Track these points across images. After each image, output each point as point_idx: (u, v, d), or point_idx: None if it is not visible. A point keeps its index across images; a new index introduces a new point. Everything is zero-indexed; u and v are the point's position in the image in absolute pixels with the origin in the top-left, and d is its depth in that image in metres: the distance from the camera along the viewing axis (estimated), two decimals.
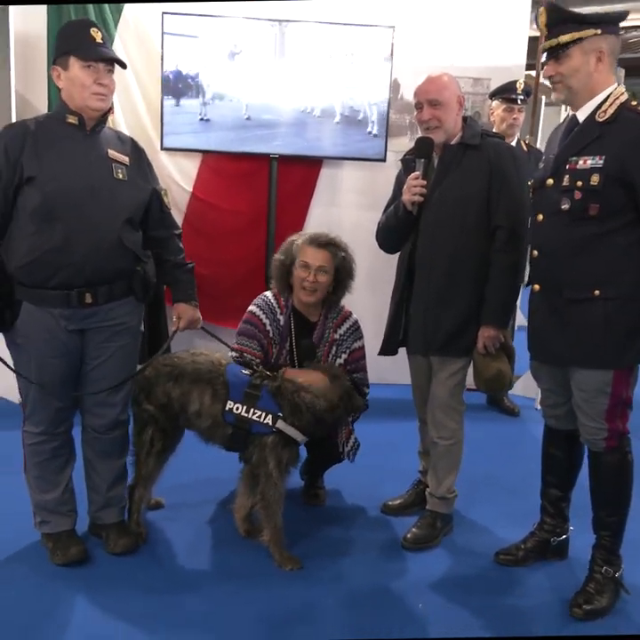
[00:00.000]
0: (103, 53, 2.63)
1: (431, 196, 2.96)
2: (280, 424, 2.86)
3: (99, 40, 2.63)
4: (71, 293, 2.65)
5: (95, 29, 2.65)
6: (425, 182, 2.95)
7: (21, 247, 2.61)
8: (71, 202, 2.59)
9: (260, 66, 4.55)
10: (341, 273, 3.16)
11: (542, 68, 2.62)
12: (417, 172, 2.97)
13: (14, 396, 4.54)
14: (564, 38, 2.49)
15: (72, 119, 2.66)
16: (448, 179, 2.96)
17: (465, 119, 3.04)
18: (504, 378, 3.02)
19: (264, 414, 2.86)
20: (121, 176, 2.72)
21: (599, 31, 2.49)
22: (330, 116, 4.66)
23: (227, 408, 2.88)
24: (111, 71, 2.67)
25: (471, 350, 3.01)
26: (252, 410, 2.87)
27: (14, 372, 2.74)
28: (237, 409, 2.87)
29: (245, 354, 3.09)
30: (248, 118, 4.60)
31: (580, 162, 2.52)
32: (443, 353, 3.04)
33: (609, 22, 2.52)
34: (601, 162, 2.47)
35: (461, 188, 2.94)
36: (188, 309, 2.99)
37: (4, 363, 2.74)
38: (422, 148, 2.99)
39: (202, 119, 4.57)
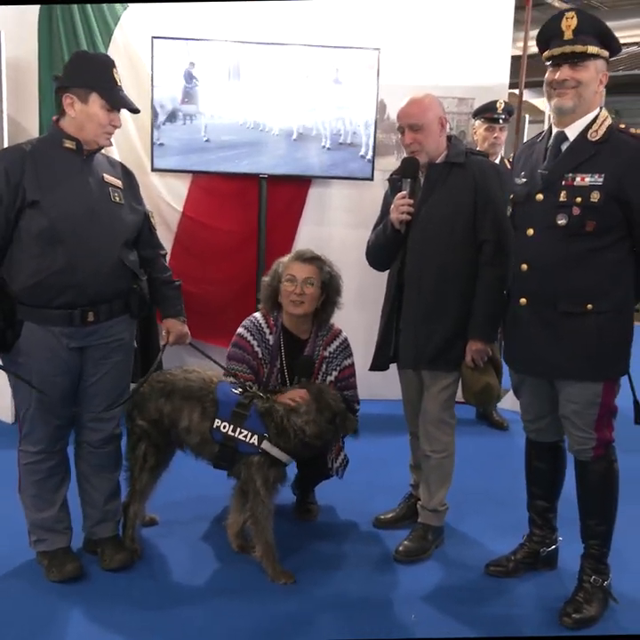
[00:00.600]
0: (127, 103, 2.76)
1: (418, 214, 3.02)
2: (265, 445, 2.90)
3: (119, 83, 2.74)
4: (74, 312, 2.70)
5: (116, 71, 2.75)
6: (412, 201, 3.01)
7: (25, 269, 2.65)
8: (74, 226, 2.66)
9: (249, 88, 4.63)
10: (329, 289, 3.21)
11: (541, 72, 2.63)
12: (404, 192, 3.03)
13: (5, 416, 4.58)
14: (592, 49, 2.52)
15: (70, 144, 2.72)
16: (434, 196, 3.03)
17: (449, 138, 3.11)
18: (492, 391, 3.08)
19: (250, 434, 2.90)
20: (118, 199, 2.80)
21: (608, 57, 2.57)
22: (317, 135, 4.74)
23: (214, 426, 2.92)
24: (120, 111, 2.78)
25: (460, 364, 3.07)
26: (238, 429, 2.91)
27: (30, 384, 2.73)
28: (225, 427, 2.92)
29: (238, 379, 3.13)
30: (237, 139, 4.67)
31: (578, 178, 2.57)
32: (432, 367, 3.08)
33: (615, 52, 2.60)
34: (600, 180, 2.53)
35: (447, 204, 3.00)
36: (177, 325, 3.05)
37: (18, 376, 2.75)
38: (408, 168, 3.05)
39: (191, 140, 4.64)
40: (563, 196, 2.60)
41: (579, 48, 2.52)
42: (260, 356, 3.21)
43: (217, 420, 2.92)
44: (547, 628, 2.68)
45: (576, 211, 2.56)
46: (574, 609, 2.69)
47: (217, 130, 4.65)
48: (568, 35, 2.53)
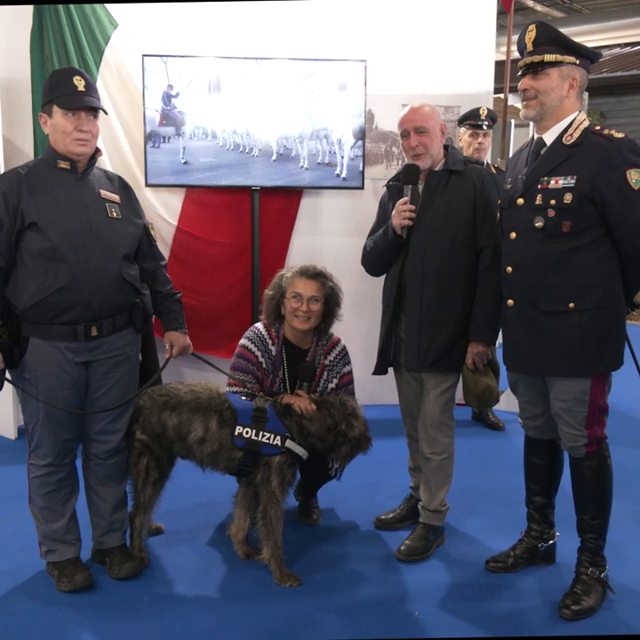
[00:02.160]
0: (83, 102, 2.73)
1: (419, 221, 3.08)
2: (289, 443, 2.99)
3: (81, 88, 2.73)
4: (78, 327, 2.76)
5: (79, 77, 2.75)
6: (414, 207, 3.07)
7: (29, 288, 2.71)
8: (74, 243, 2.71)
9: (239, 102, 4.71)
10: (330, 302, 3.27)
11: (519, 81, 2.72)
12: (406, 197, 3.08)
13: (8, 432, 4.63)
14: (549, 57, 2.63)
15: (64, 164, 2.78)
16: (435, 203, 3.09)
17: (446, 147, 3.19)
18: (492, 392, 3.15)
19: (273, 436, 2.99)
20: (115, 214, 2.84)
21: (577, 61, 2.65)
22: (306, 145, 4.81)
23: (236, 433, 2.99)
24: (94, 117, 2.78)
25: (460, 366, 3.14)
26: (261, 433, 2.99)
27: (36, 398, 2.79)
28: (247, 433, 2.99)
29: (243, 388, 3.19)
30: (229, 152, 4.74)
31: (552, 182, 2.66)
32: (435, 369, 3.14)
33: (587, 57, 2.69)
34: (573, 181, 2.62)
35: (448, 211, 3.07)
36: (180, 337, 3.10)
37: (24, 390, 2.81)
38: (409, 174, 3.11)
39: (184, 155, 4.71)
40: (539, 200, 2.68)
41: (536, 58, 2.65)
42: (265, 366, 3.27)
43: (238, 427, 2.99)
44: (547, 620, 2.75)
45: (551, 213, 2.65)
46: (573, 601, 2.76)
47: (197, 150, 4.73)
48: (529, 47, 2.68)
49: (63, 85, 2.74)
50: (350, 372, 3.36)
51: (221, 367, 3.29)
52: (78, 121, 2.73)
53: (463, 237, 3.07)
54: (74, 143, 2.74)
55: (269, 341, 3.29)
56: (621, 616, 2.77)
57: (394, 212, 3.11)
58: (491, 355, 3.14)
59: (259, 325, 3.35)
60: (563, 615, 2.74)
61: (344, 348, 3.36)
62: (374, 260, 3.30)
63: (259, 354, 3.27)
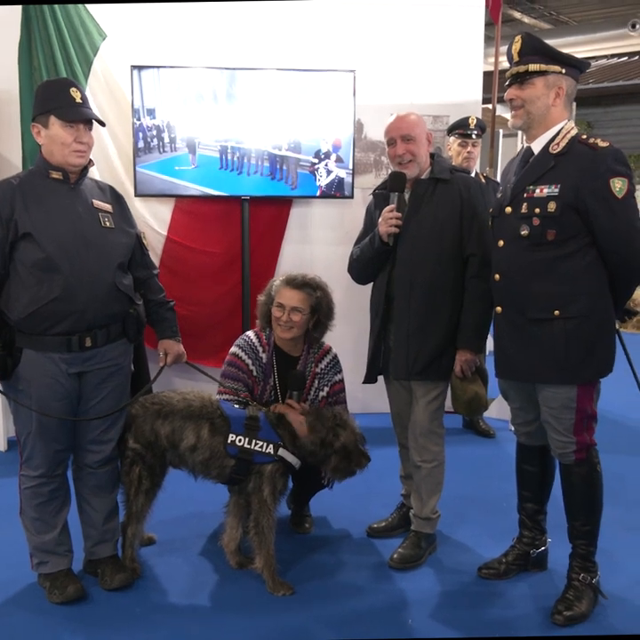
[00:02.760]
0: (84, 114, 2.77)
1: (406, 229, 3.10)
2: (282, 452, 3.00)
3: (78, 100, 2.76)
4: (72, 338, 2.76)
5: (74, 89, 2.78)
6: (400, 215, 3.09)
7: (22, 299, 2.71)
8: (67, 254, 2.71)
9: (229, 112, 4.73)
10: (319, 312, 3.26)
11: (505, 91, 2.76)
12: (392, 205, 3.10)
13: None
14: (533, 67, 2.67)
15: (56, 174, 2.78)
16: (421, 211, 3.11)
17: (432, 155, 3.20)
18: (480, 400, 3.16)
19: (265, 444, 2.99)
20: (108, 224, 2.85)
21: (563, 71, 2.68)
22: (295, 155, 4.83)
23: (229, 441, 2.99)
24: (90, 128, 2.81)
25: (448, 374, 3.15)
26: (254, 441, 2.99)
27: (30, 408, 2.78)
28: (240, 441, 2.99)
29: (234, 396, 3.19)
30: (219, 162, 4.75)
31: (537, 190, 2.68)
32: (423, 377, 3.15)
33: (573, 66, 2.72)
34: (557, 190, 2.64)
35: (435, 220, 3.09)
36: (174, 345, 3.12)
37: (17, 401, 2.80)
38: (396, 182, 3.12)
39: (173, 165, 4.72)
40: (524, 208, 2.71)
41: (522, 68, 2.69)
42: (255, 374, 3.26)
43: (231, 435, 2.99)
44: (540, 627, 2.75)
45: (536, 221, 2.67)
46: (565, 607, 2.77)
47: (186, 160, 4.74)
48: (516, 57, 2.72)
49: (60, 97, 2.76)
50: (342, 381, 3.37)
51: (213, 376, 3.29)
52: (77, 133, 2.75)
53: (450, 246, 3.08)
54: (72, 155, 2.76)
55: (260, 349, 3.29)
56: (613, 621, 2.77)
57: (380, 219, 3.12)
58: (479, 362, 3.16)
59: (250, 333, 3.35)
60: (555, 621, 2.75)
61: (335, 357, 3.37)
62: (361, 268, 3.30)
63: (249, 362, 3.26)
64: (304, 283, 3.25)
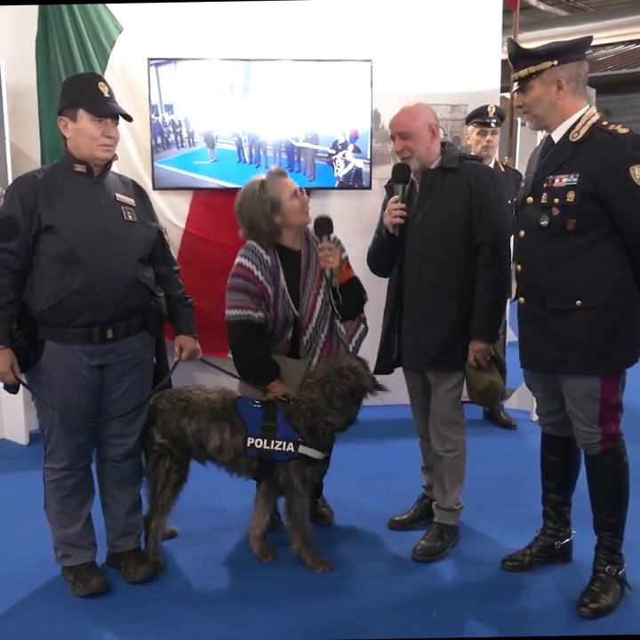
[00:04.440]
0: (112, 109, 2.80)
1: (415, 219, 3.11)
2: (302, 449, 2.99)
3: (106, 94, 2.79)
4: (93, 330, 2.77)
5: (102, 83, 2.81)
6: (404, 205, 3.11)
7: (45, 291, 2.72)
8: (90, 246, 2.73)
9: (245, 104, 4.71)
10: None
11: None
12: (396, 196, 3.13)
13: (20, 438, 4.64)
14: (522, 73, 2.67)
15: (80, 168, 2.80)
16: (430, 201, 3.10)
17: (443, 145, 3.19)
18: (496, 389, 3.13)
19: (285, 443, 2.99)
20: (131, 218, 2.87)
21: (555, 62, 2.64)
22: (313, 146, 4.81)
23: (248, 444, 2.99)
24: (116, 123, 2.83)
25: (463, 364, 3.12)
26: (272, 442, 2.99)
27: (53, 408, 2.79)
28: (259, 444, 2.99)
29: (243, 309, 3.13)
30: (236, 154, 4.74)
31: (557, 180, 2.66)
32: (435, 368, 3.15)
33: (562, 53, 2.66)
34: (575, 179, 2.60)
35: (444, 209, 3.08)
36: (190, 341, 3.12)
37: (39, 397, 2.82)
38: (399, 174, 3.16)
39: (191, 157, 4.71)
40: (544, 198, 2.68)
41: (515, 75, 2.71)
42: (262, 279, 3.18)
43: (249, 439, 3.00)
44: (565, 618, 2.74)
45: (555, 211, 2.64)
46: (591, 599, 2.75)
47: (204, 153, 4.74)
48: (511, 64, 2.74)
49: (89, 91, 2.78)
50: (347, 259, 3.36)
51: (227, 370, 3.27)
52: (105, 127, 2.77)
53: (459, 234, 3.06)
54: (100, 148, 2.78)
55: (262, 252, 3.22)
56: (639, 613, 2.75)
57: (385, 211, 3.16)
58: (493, 351, 3.13)
59: (248, 242, 3.29)
60: (581, 613, 2.73)
61: (336, 238, 3.36)
62: (374, 260, 3.34)
63: (253, 268, 3.19)
64: (282, 170, 3.39)
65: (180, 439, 3.04)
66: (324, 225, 3.24)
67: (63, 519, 2.91)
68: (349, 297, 3.26)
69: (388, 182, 3.31)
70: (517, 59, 2.69)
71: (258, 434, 2.99)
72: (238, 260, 3.25)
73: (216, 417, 3.04)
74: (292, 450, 2.99)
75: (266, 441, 2.99)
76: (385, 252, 3.23)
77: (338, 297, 3.23)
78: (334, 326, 3.27)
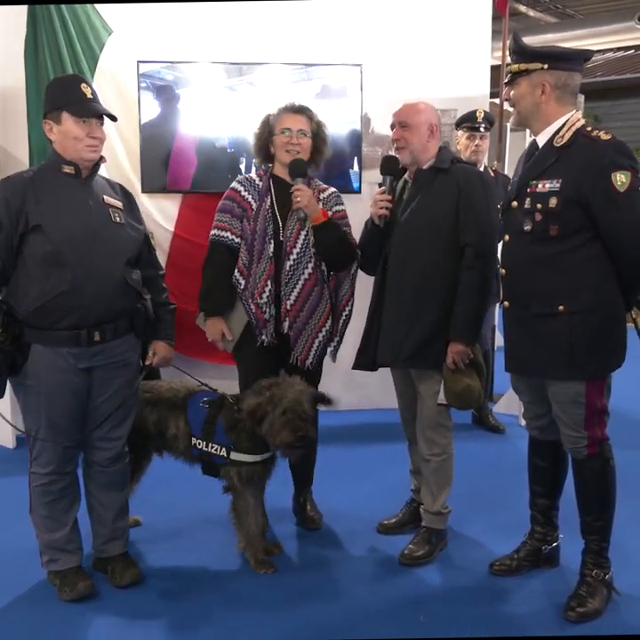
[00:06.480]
0: (95, 109, 2.79)
1: (402, 217, 3.14)
2: (233, 455, 3.05)
3: (89, 95, 2.79)
4: (81, 333, 2.75)
5: (85, 85, 2.81)
6: (390, 197, 3.17)
7: (31, 292, 2.71)
8: (77, 248, 2.71)
9: (234, 106, 4.71)
10: (317, 139, 3.35)
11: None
12: (383, 188, 3.19)
13: (6, 441, 4.60)
14: (514, 68, 2.70)
15: (68, 169, 2.79)
16: (419, 200, 3.13)
17: (440, 148, 3.20)
18: (472, 393, 3.10)
19: (219, 447, 3.06)
20: (119, 220, 2.86)
21: (545, 66, 2.65)
22: None
23: (192, 443, 3.09)
24: (101, 124, 2.82)
25: (441, 365, 3.11)
26: (210, 444, 3.07)
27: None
28: (199, 444, 3.08)
29: (223, 230, 3.29)
30: (225, 156, 4.74)
31: (540, 185, 2.67)
32: (410, 364, 3.15)
33: (553, 59, 2.67)
34: (558, 185, 2.62)
35: (431, 209, 3.10)
36: (164, 348, 3.08)
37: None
38: (387, 166, 3.24)
39: (180, 160, 4.70)
40: (527, 203, 2.70)
41: (509, 68, 2.75)
42: (248, 197, 3.32)
43: (193, 438, 3.09)
44: (552, 623, 2.74)
45: (538, 216, 2.66)
46: (578, 603, 2.75)
47: (192, 155, 4.73)
48: (510, 57, 2.77)
49: (71, 93, 2.78)
50: (343, 211, 3.41)
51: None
52: (89, 128, 2.77)
53: (445, 235, 3.08)
54: (85, 149, 2.77)
55: (256, 178, 3.37)
56: (626, 617, 2.76)
57: (372, 201, 3.22)
58: (471, 354, 3.12)
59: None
60: (568, 617, 2.73)
61: (336, 192, 3.44)
62: (361, 254, 3.37)
63: (241, 189, 3.34)
64: (302, 107, 3.36)
65: (140, 430, 3.12)
66: (297, 167, 3.27)
67: (50, 523, 2.89)
68: (324, 239, 3.26)
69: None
70: (517, 51, 2.72)
71: (199, 434, 3.08)
72: (232, 184, 3.40)
73: (176, 406, 3.14)
74: (225, 455, 3.05)
75: (205, 443, 3.07)
76: (372, 245, 3.27)
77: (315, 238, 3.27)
78: (321, 268, 3.32)
